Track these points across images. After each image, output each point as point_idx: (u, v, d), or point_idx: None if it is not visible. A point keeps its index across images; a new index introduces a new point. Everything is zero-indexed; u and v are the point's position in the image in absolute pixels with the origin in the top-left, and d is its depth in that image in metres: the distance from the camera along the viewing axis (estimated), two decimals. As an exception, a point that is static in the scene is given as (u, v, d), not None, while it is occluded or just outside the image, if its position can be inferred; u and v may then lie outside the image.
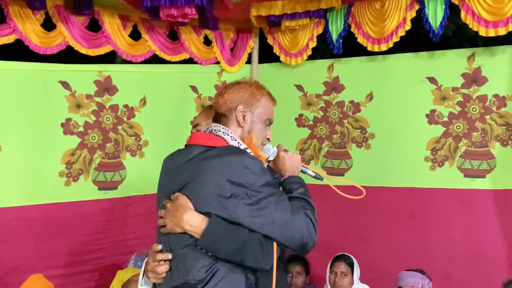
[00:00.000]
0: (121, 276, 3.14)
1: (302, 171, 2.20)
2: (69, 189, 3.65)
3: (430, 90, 3.88)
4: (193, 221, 1.85)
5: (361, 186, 3.93)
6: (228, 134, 2.03)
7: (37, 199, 3.51)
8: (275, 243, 1.90)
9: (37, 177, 3.53)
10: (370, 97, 4.11)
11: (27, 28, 3.29)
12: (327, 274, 3.51)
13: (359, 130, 4.16)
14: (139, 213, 3.83)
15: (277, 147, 2.18)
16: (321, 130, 4.32)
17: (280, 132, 4.40)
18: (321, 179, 2.31)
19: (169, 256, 1.92)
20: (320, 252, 3.82)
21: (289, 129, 4.41)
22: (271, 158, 2.15)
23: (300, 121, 4.39)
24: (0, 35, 3.22)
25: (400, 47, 3.98)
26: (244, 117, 2.05)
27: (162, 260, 1.92)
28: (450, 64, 3.82)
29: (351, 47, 4.33)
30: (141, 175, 3.93)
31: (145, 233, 3.81)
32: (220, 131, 2.03)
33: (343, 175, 4.23)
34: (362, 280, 3.86)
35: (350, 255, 3.59)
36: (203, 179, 1.88)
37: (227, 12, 3.64)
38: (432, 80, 3.87)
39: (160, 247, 1.96)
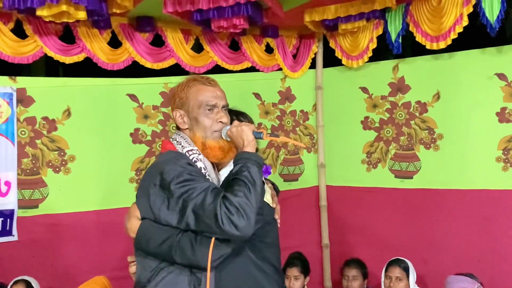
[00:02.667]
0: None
1: (256, 138, 2.12)
2: (139, 194, 3.90)
3: (499, 87, 3.68)
4: (134, 227, 2.04)
5: (426, 188, 3.92)
6: (175, 140, 2.15)
7: (110, 204, 3.79)
8: (213, 240, 1.92)
9: (110, 184, 3.81)
10: (437, 96, 3.98)
11: (95, 46, 3.59)
12: (382, 279, 3.45)
13: (426, 131, 4.03)
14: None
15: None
16: (388, 132, 4.24)
17: (346, 135, 4.43)
18: (277, 136, 2.22)
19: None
20: (387, 255, 3.80)
21: (356, 132, 4.39)
22: (228, 139, 2.15)
23: (366, 124, 4.34)
24: (71, 54, 3.54)
25: (466, 44, 3.82)
26: (183, 119, 2.14)
27: (132, 262, 2.17)
28: (521, 59, 3.61)
29: (416, 46, 4.21)
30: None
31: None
32: (175, 138, 2.17)
33: (411, 178, 4.13)
34: (434, 285, 3.75)
35: (405, 259, 3.51)
36: (140, 186, 2.07)
37: (281, 20, 3.70)
38: (501, 76, 3.67)
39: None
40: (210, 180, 2.07)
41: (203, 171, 2.08)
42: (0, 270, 3.47)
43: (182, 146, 2.12)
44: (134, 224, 2.04)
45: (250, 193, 1.91)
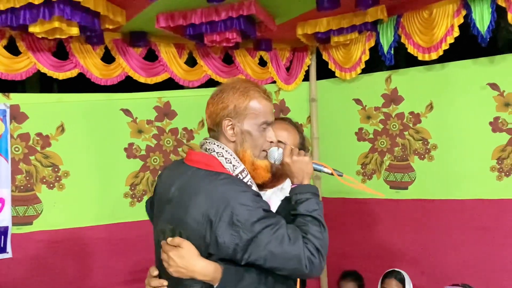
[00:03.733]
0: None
1: (316, 170, 2.03)
2: (134, 209, 3.88)
3: (492, 97, 3.70)
4: (206, 271, 1.79)
5: (421, 198, 3.91)
6: (222, 155, 1.91)
7: (105, 219, 3.79)
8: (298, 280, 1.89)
9: (104, 199, 3.80)
10: (430, 107, 3.99)
11: (88, 62, 3.59)
12: (378, 291, 3.44)
13: (420, 142, 4.04)
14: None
15: (283, 149, 2.01)
16: (382, 143, 4.25)
17: (341, 147, 4.44)
18: (341, 174, 2.10)
19: (165, 283, 1.90)
20: (383, 267, 3.79)
21: (350, 144, 4.39)
22: (277, 163, 2.01)
23: (360, 135, 4.35)
24: (64, 70, 3.54)
25: (458, 54, 3.85)
26: (233, 130, 1.93)
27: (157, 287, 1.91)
28: (513, 68, 3.63)
29: (409, 57, 4.24)
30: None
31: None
32: (214, 150, 1.93)
33: (406, 188, 4.13)
34: (431, 297, 3.74)
35: (401, 270, 3.50)
36: (194, 208, 1.82)
37: (274, 33, 3.72)
38: (493, 86, 3.68)
39: (156, 272, 1.95)
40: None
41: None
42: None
43: (233, 165, 1.90)
44: (206, 267, 1.79)
45: (325, 232, 1.88)
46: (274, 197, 2.19)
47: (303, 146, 2.34)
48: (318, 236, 1.84)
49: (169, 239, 1.87)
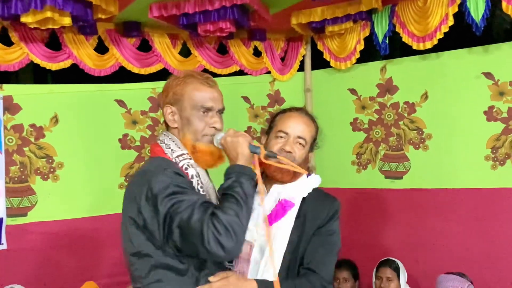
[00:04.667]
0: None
1: (252, 152, 1.96)
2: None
3: (487, 86, 3.69)
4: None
5: (416, 188, 3.91)
6: (164, 142, 1.99)
7: (99, 210, 3.77)
8: None
9: (99, 190, 3.79)
10: (425, 96, 3.99)
11: (81, 53, 3.57)
12: (373, 280, 3.45)
13: (415, 131, 4.04)
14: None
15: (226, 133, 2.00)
16: (377, 133, 4.25)
17: (336, 137, 4.42)
18: (274, 156, 2.05)
19: None
20: (378, 256, 3.80)
21: (345, 134, 4.38)
22: (221, 147, 2.00)
23: (355, 125, 4.35)
24: (57, 61, 3.52)
25: (452, 44, 3.84)
26: (174, 116, 1.98)
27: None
28: (507, 58, 3.62)
29: (404, 47, 4.23)
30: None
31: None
32: (159, 138, 2.03)
33: (401, 178, 4.13)
34: (426, 286, 3.75)
35: (395, 259, 3.51)
36: (128, 192, 1.96)
37: (268, 23, 3.71)
38: (488, 75, 3.68)
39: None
40: (203, 188, 1.95)
41: (194, 178, 1.94)
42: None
43: (171, 150, 1.97)
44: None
45: (242, 211, 1.79)
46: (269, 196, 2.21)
47: (316, 139, 2.34)
48: (229, 213, 1.77)
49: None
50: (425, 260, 3.92)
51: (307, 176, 2.29)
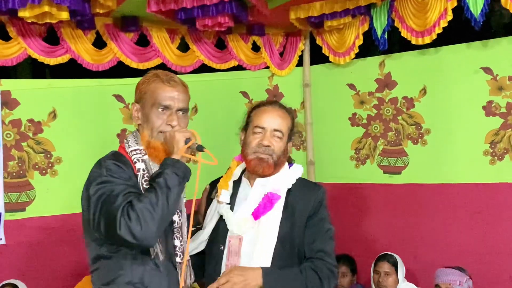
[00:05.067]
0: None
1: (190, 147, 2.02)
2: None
3: (485, 81, 3.69)
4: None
5: (415, 183, 3.91)
6: (127, 137, 2.13)
7: (98, 205, 3.77)
8: None
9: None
10: (423, 91, 3.99)
11: (79, 47, 3.56)
12: (371, 274, 3.46)
13: (414, 126, 4.04)
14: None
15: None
16: (375, 128, 4.24)
17: (335, 132, 4.43)
18: (201, 150, 2.04)
19: None
20: (376, 251, 3.81)
21: (344, 129, 4.39)
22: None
23: (354, 120, 4.34)
24: (55, 56, 3.51)
25: (451, 38, 3.84)
26: (137, 113, 2.08)
27: None
28: (506, 53, 3.62)
29: (403, 42, 4.22)
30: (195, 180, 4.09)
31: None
32: (127, 134, 2.18)
33: (400, 173, 4.14)
34: (424, 280, 3.76)
35: (393, 254, 3.52)
36: None
37: (267, 18, 3.70)
38: (487, 70, 3.68)
39: None
40: (147, 182, 1.98)
41: (141, 171, 2.01)
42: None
43: (128, 145, 2.09)
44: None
45: (158, 200, 1.83)
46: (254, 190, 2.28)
47: (292, 130, 2.36)
48: (144, 201, 1.82)
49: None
50: (423, 255, 3.93)
51: (289, 167, 2.36)
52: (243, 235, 2.21)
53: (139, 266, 1.96)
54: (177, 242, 2.06)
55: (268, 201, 2.23)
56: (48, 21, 3.03)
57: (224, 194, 2.29)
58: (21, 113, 3.53)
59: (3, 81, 3.51)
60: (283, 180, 2.28)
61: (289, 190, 2.29)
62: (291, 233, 2.22)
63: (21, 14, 2.87)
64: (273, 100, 2.44)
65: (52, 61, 3.50)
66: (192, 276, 2.20)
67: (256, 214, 2.22)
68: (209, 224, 2.30)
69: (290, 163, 2.41)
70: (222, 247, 2.25)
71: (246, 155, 2.28)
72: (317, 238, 2.23)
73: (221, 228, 2.29)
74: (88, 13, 3.04)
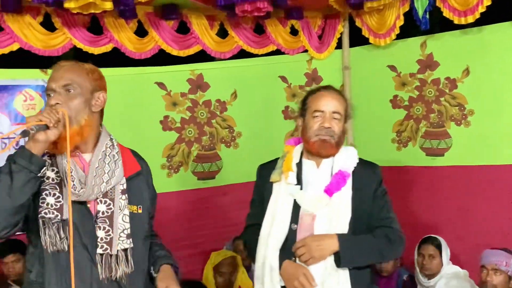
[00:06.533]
0: (213, 259, 3.36)
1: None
2: (171, 180, 3.97)
3: (531, 59, 3.60)
4: None
5: (458, 165, 3.85)
6: None
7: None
8: None
9: (142, 171, 3.88)
10: (466, 72, 3.91)
11: (122, 36, 3.64)
12: (415, 257, 3.45)
13: (457, 108, 3.98)
14: (234, 201, 4.05)
15: None
16: (418, 110, 4.19)
17: (376, 115, 4.39)
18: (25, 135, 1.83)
19: None
20: (419, 233, 3.78)
21: (385, 111, 4.34)
22: None
23: (395, 102, 4.30)
24: (99, 45, 3.60)
25: (495, 17, 3.74)
26: None
27: None
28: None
29: (444, 22, 4.14)
30: (237, 165, 4.16)
31: (239, 220, 4.03)
32: None
33: (443, 155, 4.08)
34: (468, 263, 3.71)
35: (438, 236, 3.48)
36: None
37: (305, 1, 3.68)
38: (533, 48, 3.59)
39: None
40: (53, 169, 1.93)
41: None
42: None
43: None
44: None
45: None
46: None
47: (347, 111, 2.44)
48: None
49: None
50: (468, 237, 3.88)
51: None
52: (316, 212, 2.31)
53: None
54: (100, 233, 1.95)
55: (341, 178, 2.34)
56: (92, 11, 3.10)
57: (291, 175, 2.37)
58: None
59: (49, 71, 3.59)
60: (348, 158, 2.40)
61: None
62: (362, 207, 2.34)
63: (66, 5, 2.96)
64: (327, 85, 2.49)
65: (96, 50, 3.60)
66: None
67: (330, 191, 2.32)
68: (282, 207, 2.36)
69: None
70: (295, 226, 2.32)
71: (309, 138, 2.35)
72: (383, 208, 2.40)
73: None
74: (130, 3, 3.10)
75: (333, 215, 2.29)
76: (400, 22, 3.99)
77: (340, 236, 2.24)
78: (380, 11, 4.09)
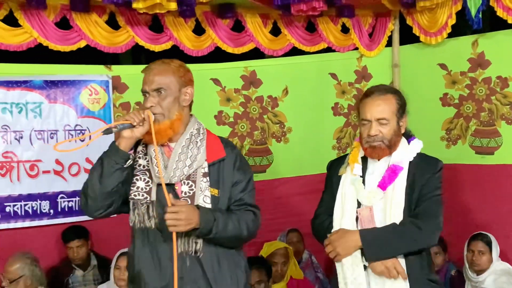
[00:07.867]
0: (266, 249, 3.49)
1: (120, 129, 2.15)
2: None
3: None
4: None
5: (508, 163, 3.86)
6: None
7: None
8: None
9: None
10: (519, 71, 3.91)
11: (181, 34, 3.79)
12: (465, 253, 3.49)
13: (508, 106, 3.98)
14: (284, 195, 4.16)
15: None
16: (468, 108, 4.21)
17: (425, 112, 4.40)
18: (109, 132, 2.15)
19: None
20: (468, 231, 3.82)
21: (434, 109, 4.36)
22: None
23: (445, 100, 4.32)
24: (160, 43, 3.76)
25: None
26: None
27: None
28: None
29: (496, 20, 4.14)
30: (287, 159, 4.28)
31: (292, 212, 4.15)
32: None
33: (492, 153, 4.09)
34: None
35: (487, 233, 3.51)
36: None
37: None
38: None
39: None
40: (145, 158, 2.21)
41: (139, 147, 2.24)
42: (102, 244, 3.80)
43: None
44: None
45: (92, 173, 2.13)
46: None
47: (401, 106, 2.49)
48: (87, 178, 2.19)
49: None
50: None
51: (409, 142, 2.51)
52: (373, 205, 2.41)
53: None
54: None
55: (392, 172, 2.42)
56: (157, 11, 3.25)
57: (357, 167, 2.48)
58: (130, 96, 3.83)
59: (113, 67, 3.81)
60: (404, 153, 2.45)
61: (410, 162, 2.46)
62: (412, 200, 2.40)
63: (135, 5, 3.12)
64: (374, 86, 2.55)
65: (157, 48, 3.76)
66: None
67: (383, 186, 2.41)
68: (348, 199, 2.47)
69: (411, 136, 2.56)
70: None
71: (362, 144, 2.47)
72: (424, 200, 2.40)
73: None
74: (193, 3, 3.24)
75: (387, 206, 2.38)
76: (452, 21, 4.02)
77: (362, 232, 2.34)
78: (432, 10, 4.12)
